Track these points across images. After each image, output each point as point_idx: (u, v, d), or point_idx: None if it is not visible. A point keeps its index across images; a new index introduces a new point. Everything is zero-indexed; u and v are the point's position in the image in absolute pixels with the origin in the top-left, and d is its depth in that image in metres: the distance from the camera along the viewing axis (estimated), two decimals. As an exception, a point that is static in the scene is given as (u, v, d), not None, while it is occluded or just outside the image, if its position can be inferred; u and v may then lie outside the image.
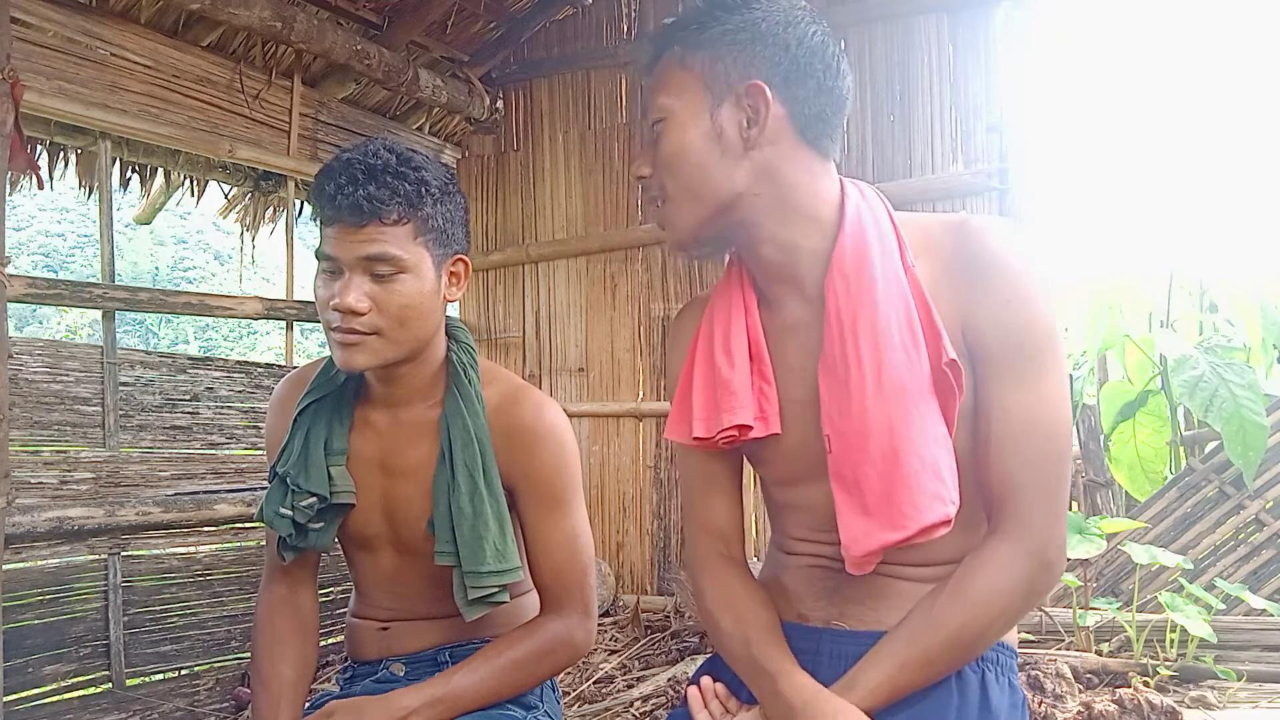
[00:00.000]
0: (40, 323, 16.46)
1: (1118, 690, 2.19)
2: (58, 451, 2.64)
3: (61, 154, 3.01)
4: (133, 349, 2.93)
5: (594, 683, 2.82)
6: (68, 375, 2.66)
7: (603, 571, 3.60)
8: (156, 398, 2.88)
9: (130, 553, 2.76)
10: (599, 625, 2.61)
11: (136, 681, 2.78)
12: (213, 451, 3.02)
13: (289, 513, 1.25)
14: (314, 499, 1.25)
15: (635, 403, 3.69)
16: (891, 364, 0.92)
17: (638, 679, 2.84)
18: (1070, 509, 1.19)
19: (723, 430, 1.03)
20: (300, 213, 3.54)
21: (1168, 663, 2.45)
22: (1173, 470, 3.57)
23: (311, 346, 14.58)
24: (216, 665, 2.95)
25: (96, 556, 2.68)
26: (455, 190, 1.24)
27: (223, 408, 3.06)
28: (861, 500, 0.94)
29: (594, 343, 3.81)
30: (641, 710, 2.56)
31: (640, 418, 3.68)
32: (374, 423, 1.31)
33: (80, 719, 2.60)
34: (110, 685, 2.69)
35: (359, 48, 3.23)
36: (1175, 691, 2.33)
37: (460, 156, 4.13)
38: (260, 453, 3.12)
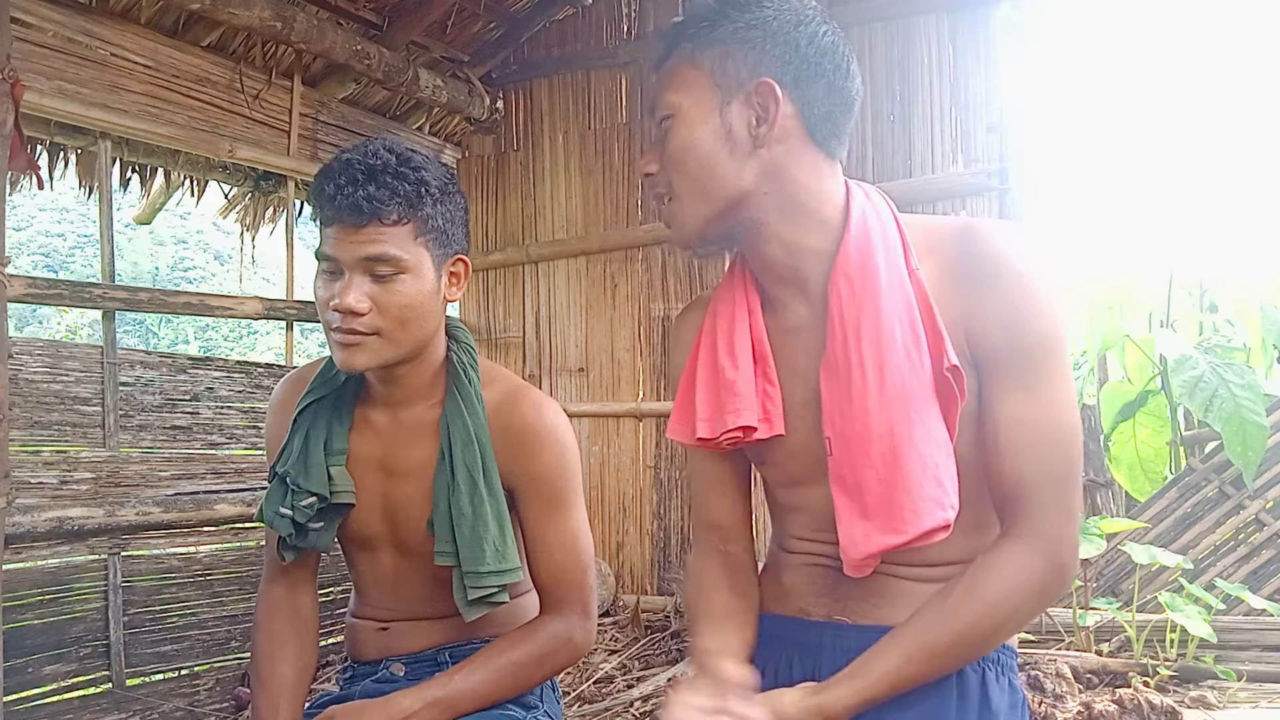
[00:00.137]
0: (40, 323, 16.47)
1: (1118, 690, 2.20)
2: (58, 451, 2.64)
3: (61, 154, 3.01)
4: (133, 349, 2.93)
5: (594, 683, 2.82)
6: (68, 375, 2.66)
7: (603, 571, 3.60)
8: (156, 398, 2.88)
9: (130, 553, 2.76)
10: (599, 625, 2.61)
11: (136, 681, 2.78)
12: (213, 451, 3.02)
13: (289, 512, 1.25)
14: (314, 499, 1.25)
15: (635, 403, 3.69)
16: (893, 367, 0.92)
17: (638, 679, 2.84)
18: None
19: (727, 431, 1.03)
20: (300, 213, 3.54)
21: (1168, 663, 2.45)
22: (1173, 470, 3.57)
23: (311, 346, 14.58)
24: (216, 665, 2.95)
25: (96, 556, 2.68)
26: (455, 190, 1.24)
27: (223, 408, 3.06)
28: (861, 503, 0.94)
29: (594, 343, 3.81)
30: (641, 710, 2.56)
31: (640, 418, 3.68)
32: (374, 423, 1.31)
33: (80, 719, 2.60)
34: (110, 685, 2.69)
35: (359, 48, 3.23)
36: (1175, 691, 2.33)
37: (460, 156, 4.13)
38: (260, 453, 3.12)
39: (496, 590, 1.23)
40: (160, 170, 3.31)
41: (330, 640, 3.12)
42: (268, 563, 1.37)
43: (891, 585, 1.02)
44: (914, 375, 0.92)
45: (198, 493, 2.92)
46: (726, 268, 1.13)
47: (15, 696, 2.45)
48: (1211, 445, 3.38)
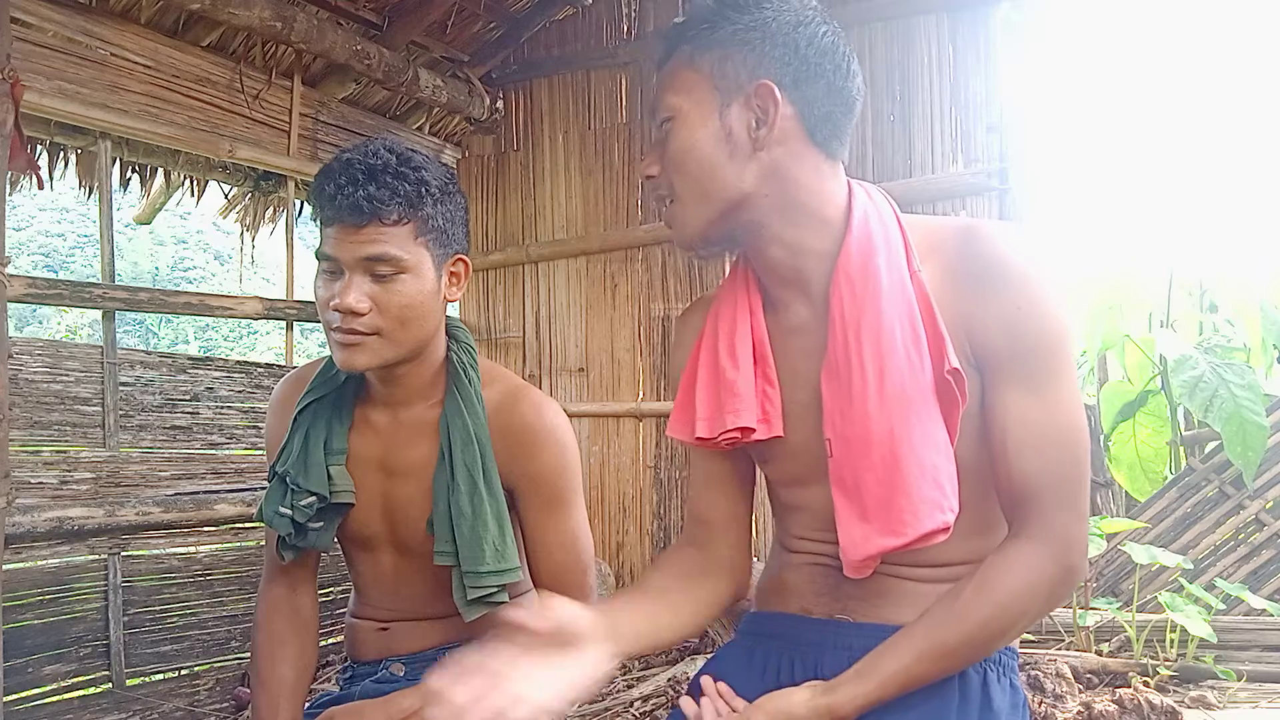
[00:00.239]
0: (40, 323, 16.46)
1: (1118, 690, 2.20)
2: (58, 451, 2.64)
3: (61, 154, 3.01)
4: (133, 349, 2.93)
5: (594, 683, 2.82)
6: (68, 375, 2.66)
7: (603, 571, 3.60)
8: (156, 398, 2.88)
9: (130, 553, 2.76)
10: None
11: (136, 681, 2.78)
12: (213, 451, 3.02)
13: (288, 512, 1.25)
14: (313, 498, 1.25)
15: (635, 403, 3.69)
16: (894, 369, 0.92)
17: (638, 679, 2.84)
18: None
19: (725, 432, 1.03)
20: (300, 213, 3.54)
21: (1168, 663, 2.45)
22: (1173, 470, 3.57)
23: (311, 346, 14.58)
24: (216, 665, 2.95)
25: (96, 556, 2.68)
26: (455, 190, 1.24)
27: (223, 408, 3.06)
28: (861, 505, 0.94)
29: (594, 343, 3.81)
30: (641, 710, 2.56)
31: (640, 418, 3.68)
32: (374, 422, 1.31)
33: (80, 719, 2.60)
34: (110, 685, 2.68)
35: (359, 48, 3.23)
36: (1175, 691, 2.33)
37: (460, 156, 4.13)
38: (260, 453, 3.12)
39: (496, 590, 1.23)
40: (160, 170, 3.30)
41: (330, 640, 3.12)
42: (268, 563, 1.37)
43: (894, 585, 1.02)
44: (914, 377, 0.92)
45: (198, 493, 2.92)
46: (729, 268, 1.13)
47: (15, 696, 2.45)
48: (1211, 445, 3.38)
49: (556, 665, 0.89)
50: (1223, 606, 2.74)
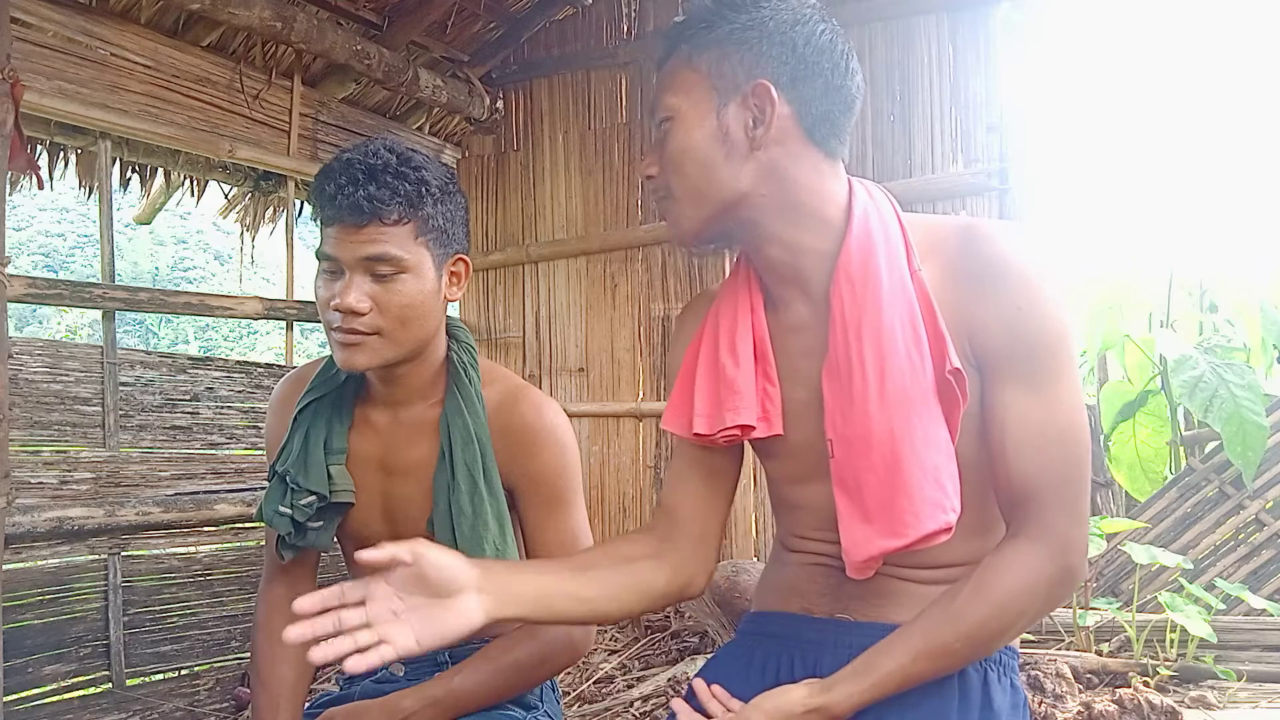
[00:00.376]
0: (40, 323, 16.46)
1: (1118, 690, 2.19)
2: (58, 451, 2.64)
3: (61, 154, 3.01)
4: (133, 349, 2.93)
5: (594, 683, 2.82)
6: (68, 375, 2.66)
7: (603, 571, 3.60)
8: (156, 398, 2.88)
9: (130, 553, 2.76)
10: (599, 625, 2.61)
11: (136, 681, 2.78)
12: (213, 451, 3.02)
13: (288, 511, 1.25)
14: (313, 497, 1.25)
15: (635, 403, 3.69)
16: (895, 370, 0.92)
17: (638, 679, 2.84)
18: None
19: (725, 429, 1.03)
20: (300, 213, 3.54)
21: (1168, 663, 2.45)
22: (1173, 470, 3.57)
23: (311, 346, 14.58)
24: (216, 665, 2.95)
25: (96, 556, 2.68)
26: (455, 190, 1.24)
27: (223, 408, 3.06)
28: (863, 506, 0.94)
29: (594, 343, 3.81)
30: (641, 710, 2.56)
31: (640, 418, 3.68)
32: (374, 422, 1.31)
33: (80, 719, 2.60)
34: (110, 685, 2.68)
35: (359, 48, 3.23)
36: (1175, 691, 2.33)
37: (460, 156, 4.13)
38: (260, 453, 3.12)
39: (496, 590, 1.22)
40: (160, 170, 3.30)
41: (330, 640, 3.12)
42: (268, 562, 1.37)
43: (895, 585, 1.02)
44: (915, 377, 0.92)
45: (198, 493, 2.92)
46: (732, 265, 1.13)
47: (15, 696, 2.45)
48: (1211, 445, 3.38)
49: (421, 609, 0.91)
50: (1223, 606, 2.74)
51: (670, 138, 1.00)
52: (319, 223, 1.19)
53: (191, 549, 2.93)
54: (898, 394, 0.92)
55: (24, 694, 2.49)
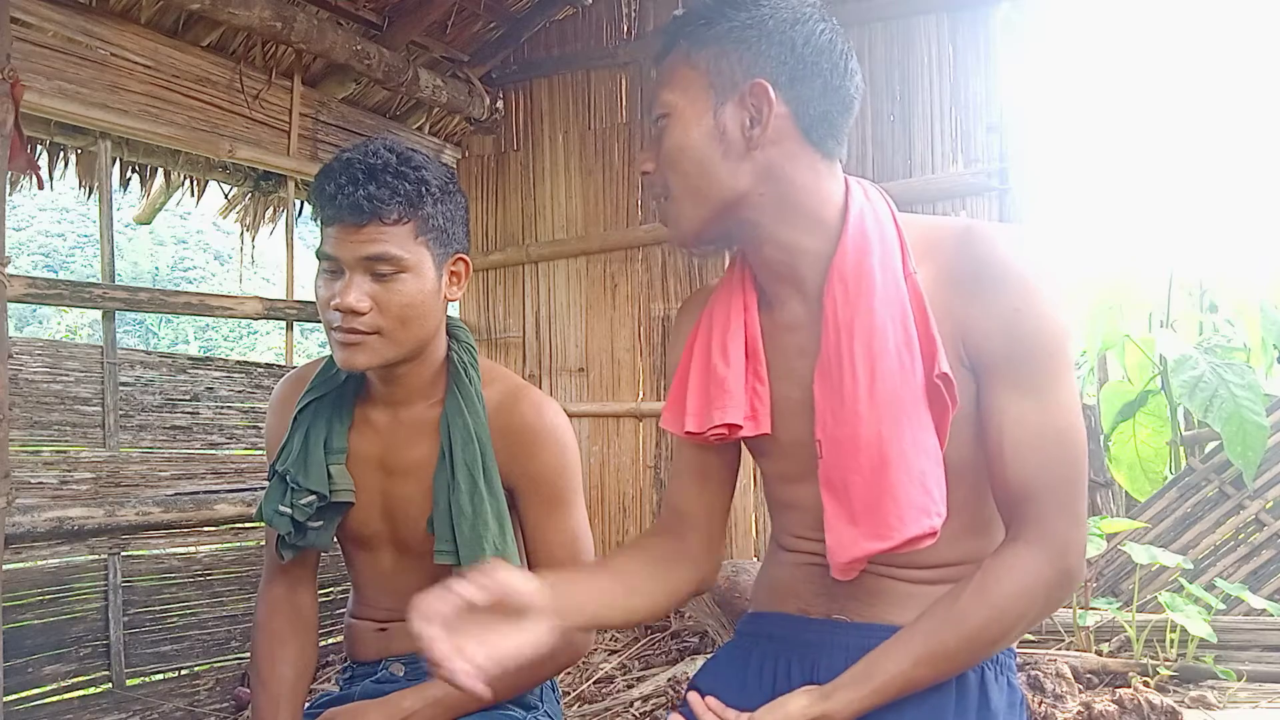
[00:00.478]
0: (40, 323, 16.46)
1: (1118, 690, 2.19)
2: (58, 451, 2.64)
3: (61, 154, 3.01)
4: (133, 349, 2.93)
5: (594, 683, 2.82)
6: (68, 375, 2.66)
7: (603, 571, 3.60)
8: (156, 398, 2.88)
9: (130, 553, 2.76)
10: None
11: (136, 681, 2.78)
12: (213, 451, 3.02)
13: (288, 511, 1.25)
14: (313, 497, 1.25)
15: (635, 403, 3.69)
16: (885, 373, 0.92)
17: (638, 679, 2.84)
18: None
19: (713, 427, 1.03)
20: (300, 213, 3.54)
21: (1168, 663, 2.45)
22: (1173, 470, 3.57)
23: (311, 346, 14.58)
24: (216, 665, 2.95)
25: (96, 556, 2.68)
26: (455, 189, 1.24)
27: (223, 408, 3.06)
28: (849, 508, 0.94)
29: (594, 343, 3.81)
30: (641, 710, 2.56)
31: (640, 418, 3.68)
32: (374, 422, 1.31)
33: (80, 719, 2.60)
34: (110, 685, 2.68)
35: (359, 48, 3.23)
36: (1175, 691, 2.33)
37: (460, 156, 4.13)
38: (260, 453, 3.12)
39: (496, 590, 1.22)
40: (160, 170, 3.30)
41: (330, 640, 3.12)
42: (268, 562, 1.37)
43: (890, 585, 1.02)
44: (905, 381, 0.92)
45: (198, 493, 2.92)
46: (728, 264, 1.13)
47: (15, 696, 2.45)
48: (1211, 445, 3.38)
49: (498, 630, 0.91)
50: (1223, 606, 2.74)
51: (667, 135, 1.00)
52: (319, 222, 1.20)
53: (191, 549, 2.93)
54: (888, 396, 0.92)
55: (24, 694, 2.49)
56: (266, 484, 1.30)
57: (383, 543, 1.32)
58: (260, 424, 3.11)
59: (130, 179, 3.24)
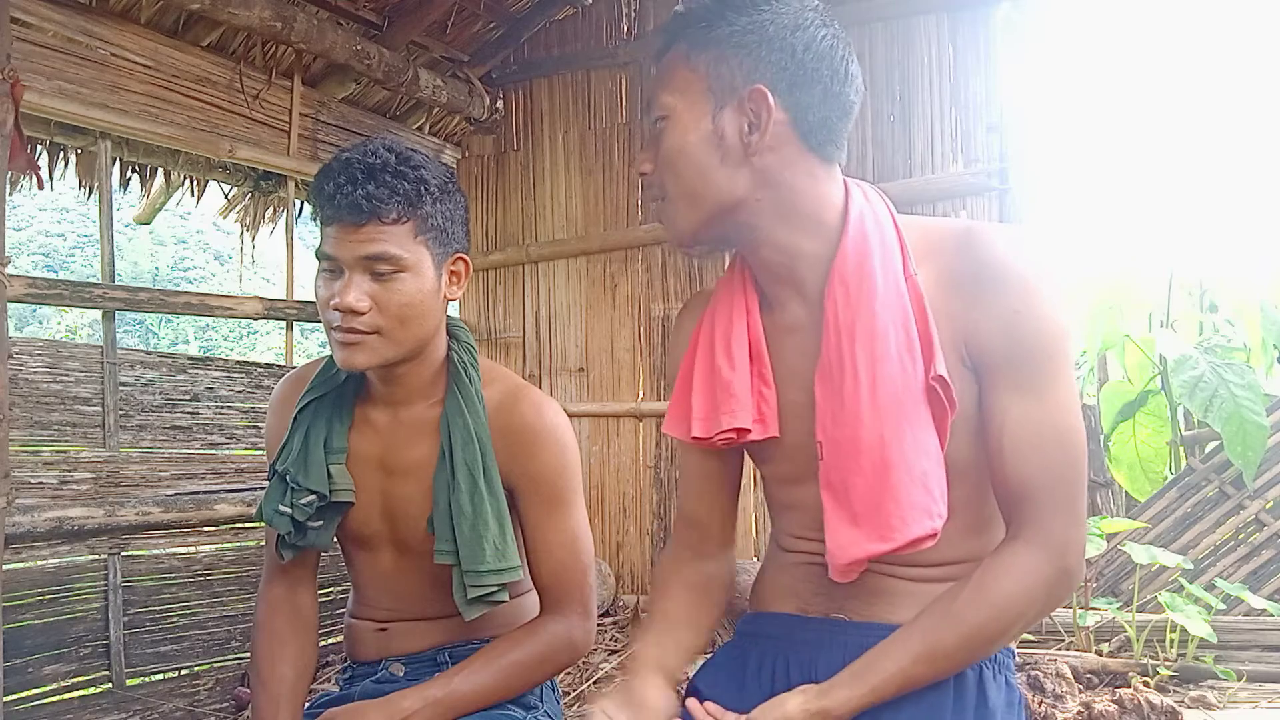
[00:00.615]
0: (40, 323, 16.45)
1: (1118, 690, 2.20)
2: (58, 451, 2.64)
3: (61, 154, 3.01)
4: (133, 349, 2.93)
5: (594, 683, 2.82)
6: (68, 375, 2.66)
7: (603, 571, 3.60)
8: (156, 398, 2.88)
9: (130, 553, 2.76)
10: (599, 625, 2.60)
11: (136, 681, 2.78)
12: (213, 451, 3.02)
13: (288, 510, 1.25)
14: (313, 497, 1.25)
15: (635, 403, 3.69)
16: (886, 375, 0.92)
17: (638, 679, 2.84)
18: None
19: (721, 432, 1.03)
20: (300, 213, 3.54)
21: (1168, 663, 2.45)
22: (1173, 470, 3.57)
23: (311, 346, 14.58)
24: (216, 665, 2.95)
25: (96, 556, 2.68)
26: (455, 189, 1.24)
27: (223, 408, 3.06)
28: (850, 509, 0.94)
29: (594, 343, 3.81)
30: (641, 710, 2.56)
31: (640, 418, 3.68)
32: (374, 421, 1.31)
33: (80, 719, 2.60)
34: (110, 685, 2.68)
35: (359, 48, 3.23)
36: (1175, 691, 2.33)
37: (460, 156, 4.13)
38: (260, 453, 3.12)
39: (496, 589, 1.22)
40: (160, 170, 3.30)
41: (330, 640, 3.12)
42: (268, 562, 1.37)
43: (890, 585, 1.02)
44: (906, 383, 0.92)
45: (198, 493, 2.92)
46: (728, 265, 1.13)
47: (15, 696, 2.45)
48: (1211, 445, 3.38)
49: None
50: (1223, 606, 2.74)
51: (665, 138, 1.00)
52: (318, 222, 1.19)
53: (191, 549, 2.93)
54: (889, 398, 0.92)
55: (24, 694, 2.49)
56: (266, 484, 1.30)
57: (383, 543, 1.32)
58: (260, 424, 3.11)
59: (130, 179, 3.24)
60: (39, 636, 2.53)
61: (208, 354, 15.84)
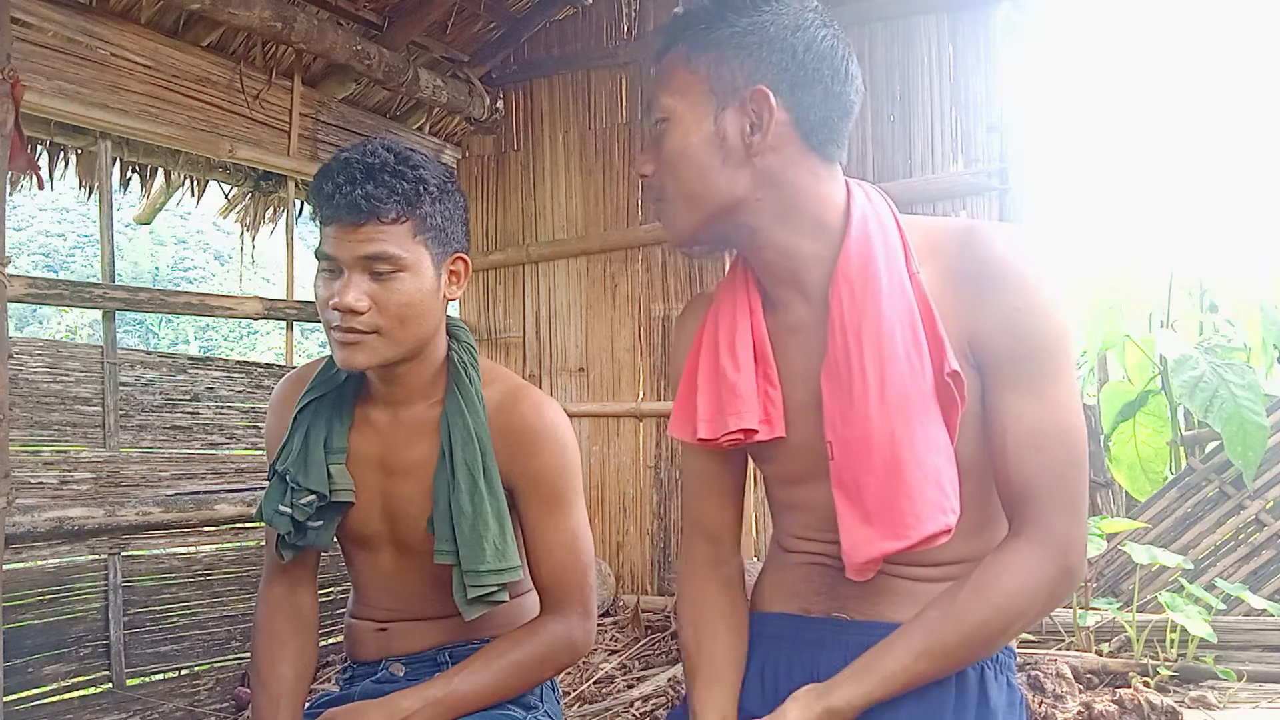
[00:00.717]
0: (40, 323, 16.46)
1: (1118, 690, 2.20)
2: (58, 451, 2.64)
3: (61, 154, 3.01)
4: (133, 349, 2.93)
5: (594, 683, 2.82)
6: (68, 375, 2.66)
7: (603, 571, 3.60)
8: (156, 398, 2.88)
9: (130, 553, 2.76)
10: (599, 625, 2.61)
11: (136, 681, 2.78)
12: (213, 451, 3.02)
13: (288, 510, 1.24)
14: (313, 497, 1.25)
15: (635, 403, 3.69)
16: (895, 373, 0.92)
17: (638, 679, 2.84)
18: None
19: (728, 433, 1.03)
20: (300, 213, 3.54)
21: (1168, 663, 2.45)
22: (1173, 470, 3.57)
23: (311, 346, 14.58)
24: (216, 665, 2.95)
25: (97, 556, 2.68)
26: (454, 189, 1.24)
27: (223, 408, 3.06)
28: (863, 508, 0.94)
29: (594, 343, 3.81)
30: (641, 710, 2.56)
31: (640, 418, 3.68)
32: (374, 421, 1.31)
33: (80, 719, 2.60)
34: (110, 685, 2.68)
35: (359, 48, 3.23)
36: (1175, 691, 2.33)
37: (460, 156, 4.13)
38: (260, 453, 3.12)
39: (496, 589, 1.22)
40: (160, 170, 3.31)
41: (330, 640, 3.12)
42: (268, 562, 1.37)
43: (893, 584, 1.02)
44: (915, 380, 0.92)
45: (198, 493, 2.92)
46: (729, 266, 1.13)
47: (15, 696, 2.45)
48: (1211, 445, 3.38)
49: None
50: (1223, 606, 2.74)
51: (666, 139, 1.00)
52: (318, 222, 1.19)
53: (191, 549, 2.93)
54: (898, 396, 0.92)
55: (24, 694, 2.49)
56: (266, 484, 1.30)
57: (383, 543, 1.32)
58: (260, 424, 3.11)
59: (130, 179, 3.25)
60: (39, 636, 2.53)
61: (208, 354, 15.84)
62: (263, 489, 1.58)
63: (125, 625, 2.73)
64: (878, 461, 0.92)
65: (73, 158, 3.04)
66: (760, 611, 1.15)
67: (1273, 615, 2.66)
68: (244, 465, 3.09)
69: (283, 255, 3.42)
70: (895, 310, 0.94)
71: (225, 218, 3.74)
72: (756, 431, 1.02)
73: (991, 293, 0.93)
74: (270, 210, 3.68)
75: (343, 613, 1.62)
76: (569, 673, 2.90)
